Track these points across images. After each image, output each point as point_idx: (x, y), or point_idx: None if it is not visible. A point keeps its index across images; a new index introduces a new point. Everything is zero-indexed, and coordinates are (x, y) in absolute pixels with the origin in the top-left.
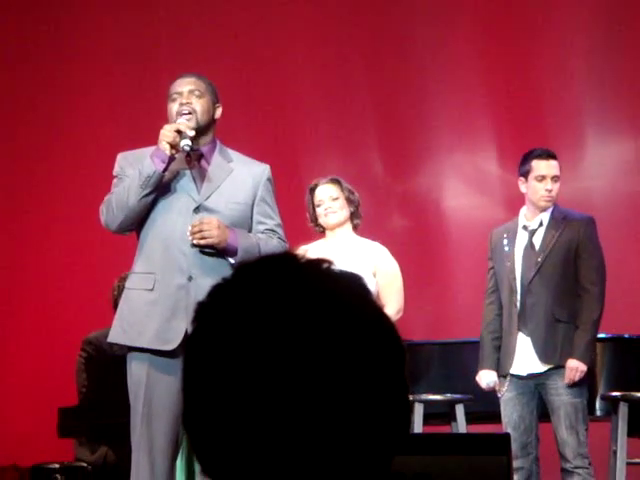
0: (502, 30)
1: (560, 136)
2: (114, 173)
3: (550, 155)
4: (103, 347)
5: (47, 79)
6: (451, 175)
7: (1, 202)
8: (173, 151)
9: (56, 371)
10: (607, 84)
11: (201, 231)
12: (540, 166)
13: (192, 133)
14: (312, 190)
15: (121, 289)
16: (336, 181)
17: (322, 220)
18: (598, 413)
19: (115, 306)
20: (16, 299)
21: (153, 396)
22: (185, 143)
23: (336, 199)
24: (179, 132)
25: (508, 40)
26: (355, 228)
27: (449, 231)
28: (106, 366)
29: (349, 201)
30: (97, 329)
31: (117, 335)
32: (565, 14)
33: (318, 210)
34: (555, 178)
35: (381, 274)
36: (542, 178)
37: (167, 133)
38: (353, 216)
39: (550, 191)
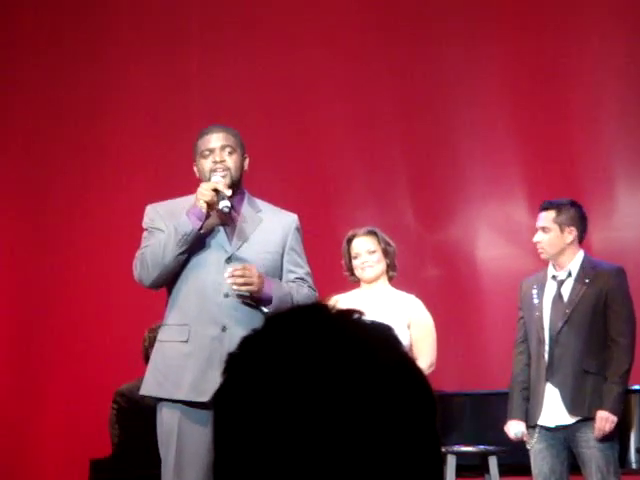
0: (533, 79)
1: (591, 186)
2: (144, 225)
3: (542, 206)
4: (135, 399)
5: (79, 133)
6: (482, 225)
7: (33, 255)
8: (210, 209)
9: (88, 423)
10: (639, 132)
11: (243, 276)
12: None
13: (229, 193)
14: (349, 241)
15: (151, 340)
16: (373, 233)
17: (358, 273)
18: (633, 466)
19: (146, 357)
20: (47, 350)
21: (184, 446)
22: (224, 205)
23: (373, 252)
24: (216, 191)
25: (539, 89)
26: (390, 280)
27: (481, 281)
28: (138, 418)
29: (385, 253)
30: (128, 380)
31: (151, 388)
32: (597, 61)
33: (355, 262)
34: (544, 229)
35: (415, 327)
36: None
37: (205, 192)
38: (389, 268)
39: (536, 242)
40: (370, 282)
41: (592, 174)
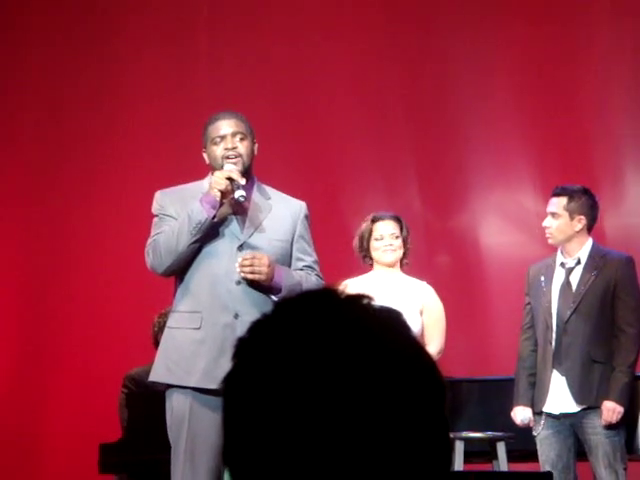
0: (542, 66)
1: (601, 173)
2: (154, 211)
3: (553, 192)
4: (145, 383)
5: (85, 114)
6: (490, 212)
7: (43, 241)
8: (224, 198)
9: (97, 407)
10: None
11: (252, 265)
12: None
13: (243, 181)
14: (374, 221)
15: (161, 325)
16: (398, 219)
17: (377, 255)
18: None
19: (155, 342)
20: (57, 335)
21: (196, 432)
22: (240, 194)
23: (397, 237)
24: (230, 180)
25: (548, 76)
26: (402, 267)
27: (489, 268)
28: (148, 402)
29: (405, 241)
30: (138, 365)
31: (161, 374)
32: (606, 51)
33: (376, 243)
34: (554, 215)
35: (427, 313)
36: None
37: (220, 181)
38: (404, 256)
39: (545, 228)
40: (388, 266)
41: (602, 161)
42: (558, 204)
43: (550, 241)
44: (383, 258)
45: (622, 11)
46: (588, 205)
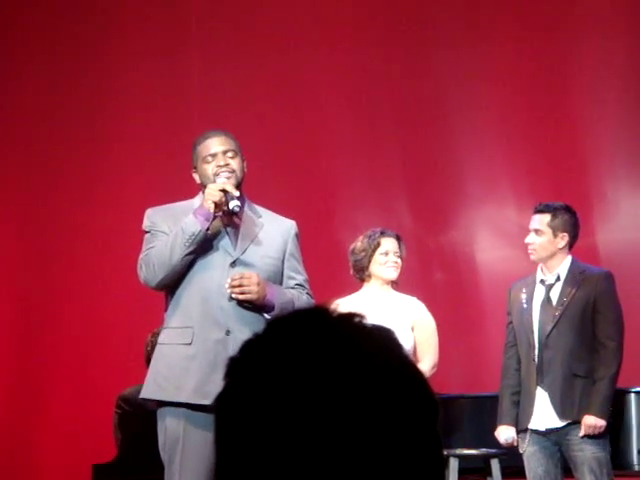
0: (533, 81)
1: (591, 188)
2: (145, 228)
3: (537, 209)
4: (138, 403)
5: (78, 128)
6: (483, 228)
7: (35, 258)
8: (217, 210)
9: (91, 428)
10: (638, 139)
11: (241, 285)
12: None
13: (237, 193)
14: (381, 235)
15: (154, 344)
16: (399, 239)
17: (379, 269)
18: (636, 468)
19: (148, 361)
20: (50, 355)
21: (190, 452)
22: (235, 204)
23: (399, 256)
24: (224, 192)
25: (538, 91)
26: (393, 285)
27: (481, 284)
28: (141, 423)
29: (402, 260)
30: (131, 384)
31: (152, 391)
32: (597, 68)
33: (381, 258)
34: (537, 232)
35: (419, 329)
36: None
37: (213, 192)
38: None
39: (528, 244)
40: (385, 282)
41: (593, 176)
42: (541, 221)
43: (533, 257)
44: (385, 274)
45: (610, 25)
46: (571, 223)
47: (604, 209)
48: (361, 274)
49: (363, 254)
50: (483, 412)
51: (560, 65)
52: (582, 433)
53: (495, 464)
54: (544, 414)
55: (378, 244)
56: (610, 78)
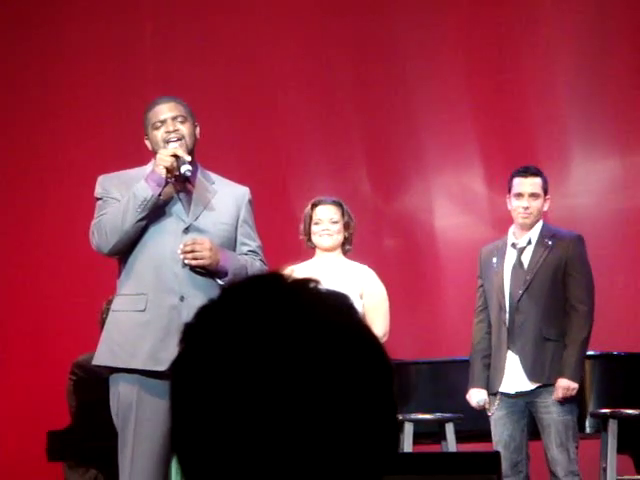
0: (488, 51)
1: (547, 155)
2: (97, 195)
3: (529, 172)
4: (93, 370)
5: (29, 98)
6: (440, 195)
7: None
8: (169, 175)
9: (45, 395)
10: (592, 103)
11: (193, 251)
12: (517, 183)
13: (189, 158)
14: (314, 206)
15: (109, 311)
16: (339, 204)
17: (315, 239)
18: (588, 430)
19: (102, 328)
20: (3, 323)
21: (144, 418)
22: (186, 169)
23: (335, 222)
24: (176, 157)
25: (494, 61)
26: (345, 253)
27: (438, 250)
28: (96, 389)
29: (346, 226)
30: (85, 351)
31: (105, 357)
32: (550, 35)
33: (314, 227)
34: (534, 195)
35: (368, 297)
36: (519, 195)
37: (165, 158)
38: (345, 241)
39: (526, 208)
40: (326, 250)
41: (547, 143)
42: (535, 184)
43: (527, 221)
44: (320, 242)
45: None
46: (548, 186)
47: (558, 175)
48: (309, 244)
49: (304, 225)
50: (438, 377)
51: (515, 35)
52: (556, 396)
53: (450, 428)
54: (514, 377)
55: (311, 214)
56: (564, 41)
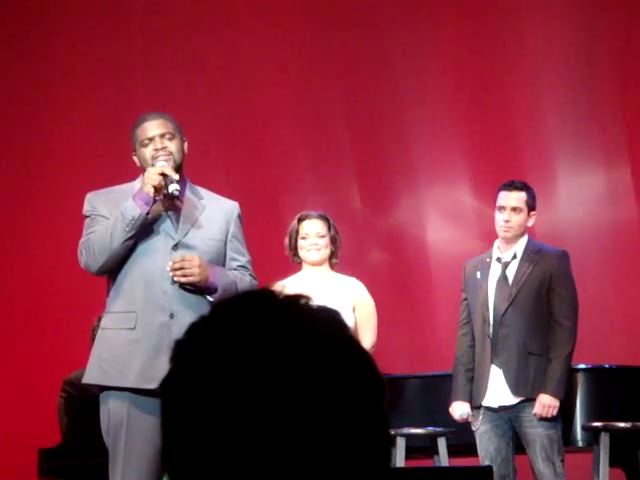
0: (477, 67)
1: (533, 170)
2: (85, 213)
3: (513, 186)
4: (84, 387)
5: (21, 111)
6: (429, 209)
7: None
8: (157, 194)
9: (37, 412)
10: (579, 118)
11: (182, 268)
12: (501, 197)
13: (177, 176)
14: (300, 220)
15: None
16: (325, 218)
17: (303, 254)
18: (580, 444)
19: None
20: None
21: (134, 436)
22: (174, 188)
23: (322, 236)
24: (163, 175)
25: (484, 77)
26: (332, 267)
27: (428, 264)
28: (87, 407)
29: (333, 240)
30: (76, 368)
31: (94, 376)
32: (537, 52)
33: (301, 242)
34: (516, 210)
35: (360, 309)
36: (501, 208)
37: (152, 176)
38: (332, 255)
39: (507, 221)
40: (314, 265)
41: (533, 158)
42: (519, 198)
43: (507, 235)
44: (308, 257)
45: (552, 12)
46: (535, 201)
47: (544, 190)
48: (295, 259)
49: (290, 240)
50: (429, 391)
51: (503, 51)
52: (536, 411)
53: (442, 443)
54: (498, 391)
55: (298, 229)
56: (551, 58)
